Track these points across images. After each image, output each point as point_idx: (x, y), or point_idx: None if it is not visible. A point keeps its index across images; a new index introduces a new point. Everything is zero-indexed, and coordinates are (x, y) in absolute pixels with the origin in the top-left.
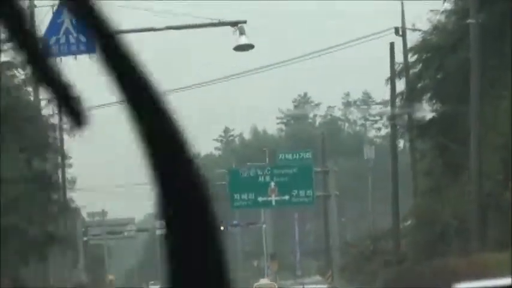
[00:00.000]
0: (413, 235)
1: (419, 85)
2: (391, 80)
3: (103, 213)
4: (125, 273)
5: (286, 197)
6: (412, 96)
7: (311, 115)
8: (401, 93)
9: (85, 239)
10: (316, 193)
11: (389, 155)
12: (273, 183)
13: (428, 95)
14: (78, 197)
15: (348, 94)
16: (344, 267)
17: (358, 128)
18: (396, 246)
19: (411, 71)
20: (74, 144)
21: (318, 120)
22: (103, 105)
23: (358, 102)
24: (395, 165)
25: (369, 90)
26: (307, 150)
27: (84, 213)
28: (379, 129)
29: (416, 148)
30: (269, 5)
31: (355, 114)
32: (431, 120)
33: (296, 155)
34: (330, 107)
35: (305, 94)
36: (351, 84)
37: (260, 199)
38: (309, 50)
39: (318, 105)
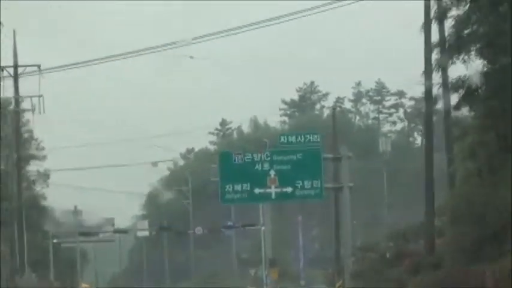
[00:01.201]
0: (453, 232)
1: (466, 32)
2: (425, 24)
3: (76, 211)
4: (109, 281)
5: (289, 189)
6: (456, 46)
7: (318, 106)
8: (440, 44)
9: (55, 241)
10: (326, 185)
11: (405, 152)
12: (272, 172)
13: (478, 45)
14: (51, 194)
15: (359, 84)
16: (358, 274)
17: (370, 121)
18: (429, 246)
19: (455, 13)
20: (50, 134)
21: (326, 112)
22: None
23: (370, 93)
24: (430, 140)
25: (383, 80)
26: (315, 132)
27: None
28: (394, 123)
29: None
30: None
31: (367, 106)
32: (483, 77)
33: (301, 138)
34: (339, 97)
35: (312, 83)
36: (363, 72)
37: (257, 191)
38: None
39: (325, 95)
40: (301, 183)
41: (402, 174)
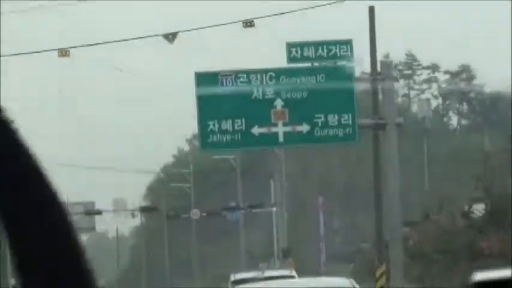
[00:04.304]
0: None
1: None
2: None
3: None
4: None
5: (305, 127)
6: None
7: None
8: None
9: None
10: (360, 121)
11: (440, 133)
12: (279, 102)
13: None
14: None
15: (387, 56)
16: (415, 255)
17: (400, 99)
18: None
19: None
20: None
21: None
22: None
23: (400, 66)
24: None
25: (414, 52)
26: (345, 40)
27: None
28: (427, 100)
29: None
30: None
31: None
32: None
33: (322, 50)
34: (363, 72)
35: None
36: (391, 42)
37: (256, 131)
38: None
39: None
40: (322, 119)
41: (438, 157)
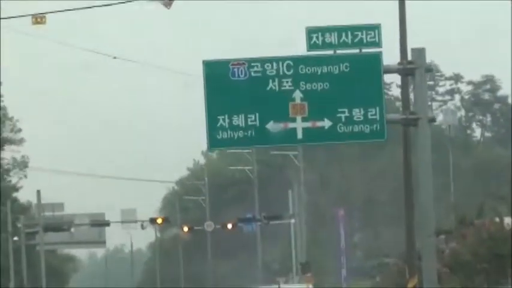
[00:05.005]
0: None
1: None
2: None
3: (39, 202)
4: None
5: (327, 123)
6: None
7: None
8: None
9: (15, 238)
10: (389, 115)
11: (463, 146)
12: (298, 94)
13: None
14: (32, 183)
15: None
16: (454, 265)
17: None
18: None
19: None
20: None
21: None
22: None
23: None
24: None
25: (437, 62)
26: (373, 25)
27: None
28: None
29: None
30: None
31: None
32: None
33: (346, 36)
34: (385, 83)
35: None
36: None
37: (271, 127)
38: None
39: None
40: (346, 113)
41: (463, 167)
